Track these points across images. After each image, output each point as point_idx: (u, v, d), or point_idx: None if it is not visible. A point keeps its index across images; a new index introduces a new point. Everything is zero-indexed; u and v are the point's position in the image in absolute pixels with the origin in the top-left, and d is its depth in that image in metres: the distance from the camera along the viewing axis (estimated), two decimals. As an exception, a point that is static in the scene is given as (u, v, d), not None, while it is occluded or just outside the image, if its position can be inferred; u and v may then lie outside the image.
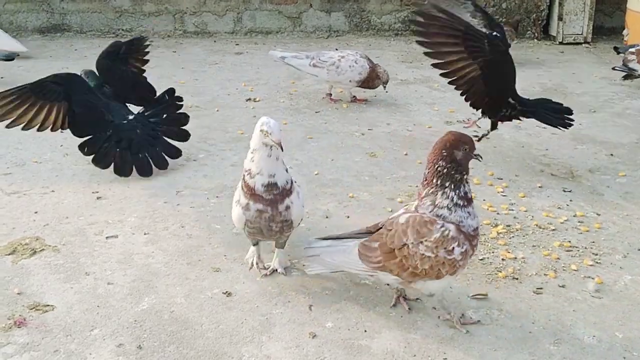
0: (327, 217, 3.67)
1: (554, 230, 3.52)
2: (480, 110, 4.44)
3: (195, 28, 8.16)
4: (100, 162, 4.10)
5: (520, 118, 4.44)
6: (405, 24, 8.30)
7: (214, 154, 4.56)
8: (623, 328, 2.73)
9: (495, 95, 4.24)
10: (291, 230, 3.00)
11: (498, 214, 3.72)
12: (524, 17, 7.88)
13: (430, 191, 2.58)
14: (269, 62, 6.88)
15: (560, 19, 7.90)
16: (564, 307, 2.86)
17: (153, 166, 4.17)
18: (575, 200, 3.88)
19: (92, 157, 4.11)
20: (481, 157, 2.70)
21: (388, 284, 2.83)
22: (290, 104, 5.66)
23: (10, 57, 6.06)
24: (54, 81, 4.08)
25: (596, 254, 3.29)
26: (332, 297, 2.92)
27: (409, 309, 2.82)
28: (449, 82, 4.19)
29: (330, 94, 5.74)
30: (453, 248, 2.54)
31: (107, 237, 3.41)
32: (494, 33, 4.12)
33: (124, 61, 4.66)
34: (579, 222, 3.61)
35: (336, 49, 7.10)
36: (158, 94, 4.56)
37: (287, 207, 2.87)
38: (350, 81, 5.51)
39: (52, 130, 4.06)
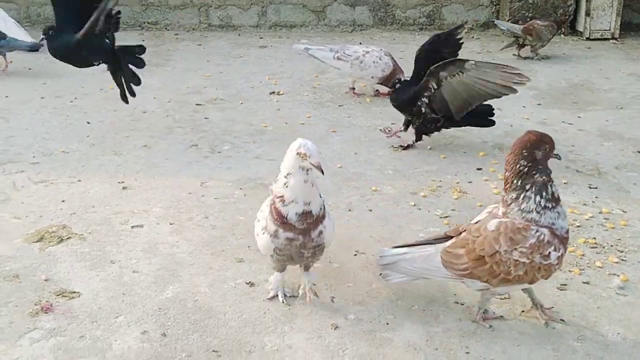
0: (349, 210, 3.67)
1: (579, 226, 3.49)
2: (404, 121, 4.61)
3: (220, 21, 8.19)
4: None
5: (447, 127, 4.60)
6: (430, 19, 8.26)
7: (238, 146, 4.59)
8: (648, 326, 2.71)
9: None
10: (323, 252, 2.77)
11: (522, 209, 3.69)
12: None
13: (514, 195, 2.53)
14: (293, 55, 6.89)
15: (587, 14, 7.80)
16: (588, 304, 2.84)
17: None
18: (601, 197, 3.85)
19: None
20: (560, 157, 2.67)
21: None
22: (313, 97, 5.67)
23: (34, 47, 6.13)
24: None
25: (621, 251, 3.26)
26: (354, 289, 2.93)
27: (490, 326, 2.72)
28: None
29: (354, 88, 5.74)
30: (549, 253, 2.49)
31: (132, 227, 3.45)
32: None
33: None
34: (604, 219, 3.58)
35: (360, 43, 7.11)
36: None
37: (320, 233, 2.63)
38: (372, 77, 5.50)
39: None
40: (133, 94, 4.63)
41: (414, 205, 3.73)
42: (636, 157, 4.48)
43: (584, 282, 2.99)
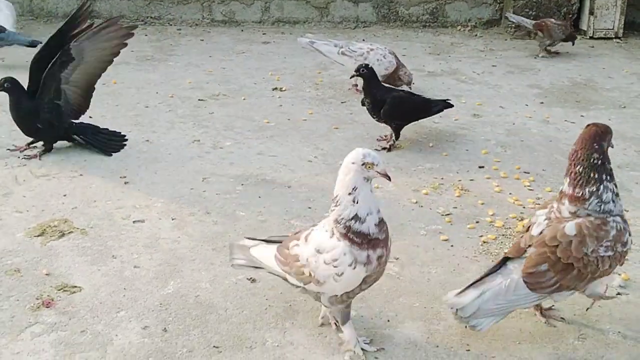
0: (351, 207, 3.67)
1: (580, 225, 3.48)
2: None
3: (223, 17, 8.18)
4: None
5: None
6: (434, 16, 8.25)
7: (240, 142, 4.59)
8: (649, 325, 2.71)
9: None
10: None
11: (524, 207, 3.70)
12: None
13: (594, 188, 2.50)
14: (295, 51, 6.88)
15: (591, 13, 7.78)
16: (588, 303, 2.83)
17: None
18: (603, 196, 3.84)
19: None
20: (613, 145, 2.66)
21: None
22: (316, 94, 5.66)
23: (33, 44, 6.11)
24: None
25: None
26: (355, 286, 2.92)
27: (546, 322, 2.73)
28: None
29: (356, 85, 5.72)
30: (626, 239, 2.52)
31: (134, 222, 3.45)
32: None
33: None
34: (606, 218, 3.57)
35: (363, 40, 7.09)
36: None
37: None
38: None
39: None
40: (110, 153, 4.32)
41: (416, 202, 3.72)
42: (638, 156, 4.48)
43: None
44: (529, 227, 2.64)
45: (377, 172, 2.35)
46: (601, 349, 2.57)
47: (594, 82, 6.14)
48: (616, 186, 2.55)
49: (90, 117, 4.89)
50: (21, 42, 6.18)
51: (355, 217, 2.34)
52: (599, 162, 2.51)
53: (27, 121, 4.19)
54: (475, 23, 8.23)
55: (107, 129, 4.45)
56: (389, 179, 2.40)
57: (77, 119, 4.30)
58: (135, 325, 2.65)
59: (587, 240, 2.45)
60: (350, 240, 2.34)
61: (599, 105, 5.51)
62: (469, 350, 2.55)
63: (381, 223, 2.38)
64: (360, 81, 5.70)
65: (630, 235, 2.55)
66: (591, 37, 7.80)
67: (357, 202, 2.34)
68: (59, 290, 2.85)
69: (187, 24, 8.09)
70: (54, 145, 4.29)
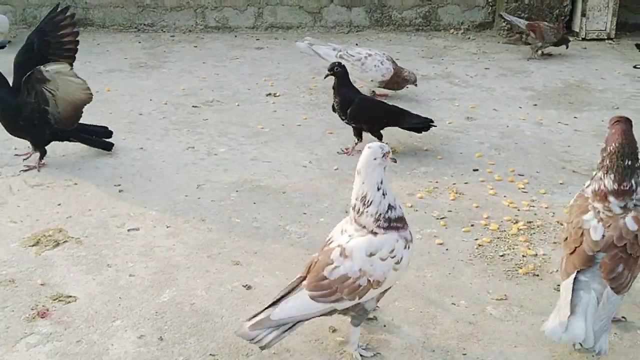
0: (346, 212, 3.66)
1: (575, 227, 3.49)
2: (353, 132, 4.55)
3: (216, 23, 8.18)
4: None
5: None
6: (426, 19, 8.27)
7: (235, 148, 4.58)
8: (645, 326, 2.71)
9: None
10: None
11: (519, 210, 3.70)
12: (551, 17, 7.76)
13: (639, 179, 2.58)
14: (289, 57, 6.89)
15: (583, 14, 7.81)
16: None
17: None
18: (598, 198, 3.85)
19: None
20: None
21: None
22: (310, 99, 5.66)
23: (2, 44, 6.08)
24: None
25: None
26: (351, 291, 2.92)
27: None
28: None
29: (374, 92, 5.72)
30: None
31: (128, 230, 3.44)
32: None
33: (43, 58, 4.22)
34: (601, 219, 3.58)
35: (356, 44, 7.11)
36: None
37: None
38: (372, 80, 5.52)
39: None
40: (108, 148, 4.41)
41: (411, 206, 3.72)
42: (632, 157, 4.49)
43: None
44: (581, 234, 2.57)
45: (392, 159, 2.52)
46: (597, 351, 2.57)
47: (587, 83, 6.16)
48: None
49: (84, 125, 4.90)
50: None
51: (390, 208, 2.44)
52: (636, 151, 2.59)
53: (9, 118, 4.13)
54: (468, 26, 8.25)
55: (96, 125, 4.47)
56: (395, 161, 2.60)
57: (69, 127, 4.21)
58: (131, 334, 2.64)
59: None
60: (395, 228, 2.44)
61: (592, 107, 5.52)
62: (465, 354, 2.55)
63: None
64: (356, 85, 5.75)
65: None
66: (583, 39, 7.83)
67: (386, 194, 2.44)
68: (54, 300, 2.85)
69: (180, 30, 8.09)
70: (48, 153, 4.28)
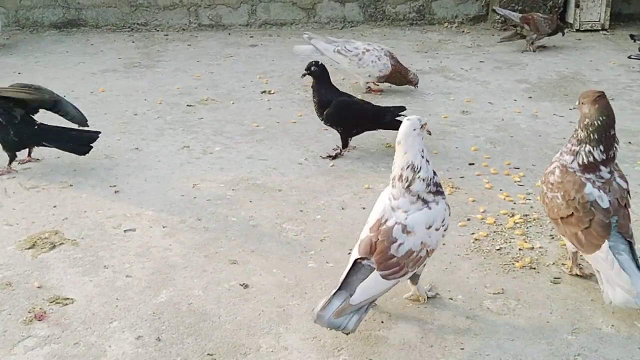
0: (343, 209, 3.67)
1: (571, 219, 3.49)
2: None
3: (210, 21, 8.17)
4: None
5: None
6: (420, 14, 8.26)
7: (230, 146, 4.58)
8: (642, 317, 2.72)
9: None
10: None
11: (515, 203, 3.70)
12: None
13: (617, 146, 2.83)
14: (283, 54, 6.88)
15: (577, 5, 7.80)
16: (582, 297, 2.85)
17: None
18: (593, 189, 3.85)
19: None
20: None
21: None
22: (305, 95, 5.65)
23: None
24: None
25: (615, 243, 3.26)
26: (348, 288, 2.92)
27: None
28: None
29: (369, 87, 5.71)
30: None
31: (125, 231, 3.44)
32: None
33: None
34: (597, 211, 3.58)
35: (352, 40, 7.08)
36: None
37: None
38: (369, 75, 5.52)
39: None
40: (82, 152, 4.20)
41: (407, 202, 3.72)
42: (627, 148, 4.49)
43: (578, 275, 2.99)
44: (590, 207, 2.72)
45: (428, 130, 2.70)
46: (595, 343, 2.57)
47: (582, 75, 6.16)
48: None
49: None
50: None
51: (434, 172, 2.63)
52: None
53: None
54: (462, 19, 8.25)
55: (75, 129, 4.26)
56: (430, 133, 2.77)
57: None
58: (128, 335, 2.64)
59: (626, 180, 2.84)
60: (441, 193, 2.65)
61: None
62: (463, 349, 2.55)
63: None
64: (362, 81, 5.73)
65: None
66: (578, 30, 7.83)
67: (429, 161, 2.62)
68: (51, 302, 2.84)
69: (174, 29, 8.08)
70: (44, 156, 4.27)
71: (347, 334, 2.50)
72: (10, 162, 4.15)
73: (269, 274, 3.04)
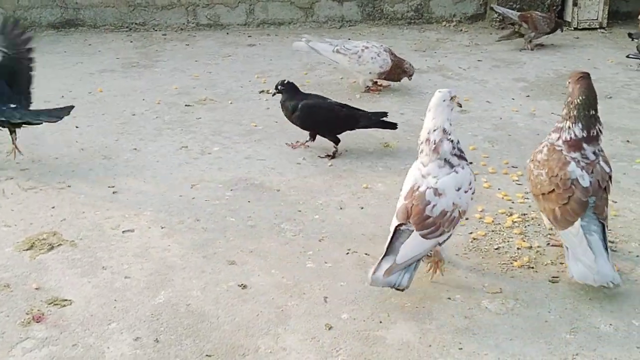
0: (341, 209, 3.67)
1: (569, 218, 3.49)
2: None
3: (208, 20, 8.16)
4: None
5: None
6: (418, 12, 8.25)
7: (228, 147, 4.58)
8: (639, 316, 2.72)
9: None
10: None
11: (513, 202, 3.70)
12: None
13: (601, 127, 2.95)
14: (281, 53, 6.88)
15: (575, 4, 7.80)
16: (580, 296, 2.85)
17: None
18: (592, 188, 3.85)
19: None
20: None
21: None
22: (303, 95, 5.65)
23: None
24: None
25: (612, 242, 3.26)
26: (346, 288, 2.93)
27: None
28: None
29: (368, 86, 5.71)
30: None
31: (123, 231, 3.44)
32: None
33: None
34: (595, 210, 3.58)
35: (349, 39, 7.09)
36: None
37: None
38: (370, 72, 5.52)
39: None
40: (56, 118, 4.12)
41: (405, 201, 3.72)
42: (625, 146, 4.50)
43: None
44: (570, 184, 2.84)
45: (458, 103, 2.90)
46: (593, 342, 2.58)
47: (580, 73, 6.15)
48: None
49: (76, 127, 4.89)
50: None
51: (458, 140, 2.88)
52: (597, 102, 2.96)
53: None
54: (460, 18, 8.25)
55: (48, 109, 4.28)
56: (461, 105, 2.99)
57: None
58: (127, 336, 2.64)
59: (610, 166, 2.94)
60: (464, 159, 2.90)
61: (585, 97, 5.51)
62: (461, 348, 2.55)
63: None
64: (362, 80, 5.73)
65: None
66: (576, 28, 7.83)
67: (454, 131, 2.87)
68: (49, 304, 2.84)
69: (172, 28, 8.07)
70: (41, 157, 4.27)
71: (402, 290, 2.71)
72: None
73: (268, 275, 3.04)
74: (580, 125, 2.90)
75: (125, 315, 2.77)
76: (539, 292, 2.88)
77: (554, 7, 7.74)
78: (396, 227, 2.80)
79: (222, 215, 3.60)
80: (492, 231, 3.40)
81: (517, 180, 3.97)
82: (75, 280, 3.01)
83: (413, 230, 2.75)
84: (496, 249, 3.23)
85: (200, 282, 2.99)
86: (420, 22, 8.24)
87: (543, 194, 2.94)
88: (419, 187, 2.80)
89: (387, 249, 2.75)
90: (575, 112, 2.92)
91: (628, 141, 4.58)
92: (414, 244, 2.73)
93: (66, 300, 2.87)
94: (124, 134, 4.80)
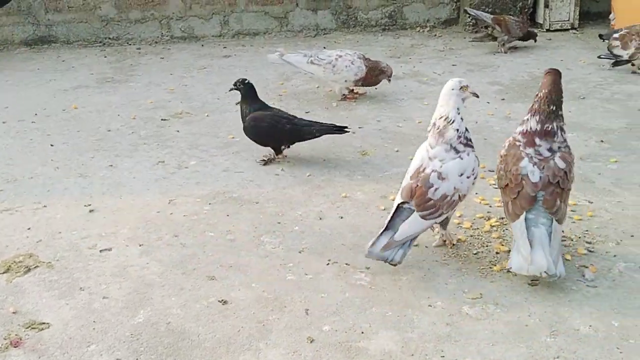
0: (320, 219, 3.67)
1: (547, 220, 3.52)
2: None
3: (182, 33, 8.13)
4: None
5: None
6: (392, 19, 8.30)
7: (206, 160, 4.55)
8: (619, 316, 2.74)
9: None
10: None
11: (491, 206, 3.72)
12: (512, 7, 7.86)
13: (561, 124, 3.01)
14: (257, 63, 6.87)
15: (546, 5, 7.89)
16: (559, 298, 2.87)
17: None
18: (568, 189, 3.88)
19: None
20: None
21: None
22: (280, 105, 5.62)
23: None
24: None
25: (589, 242, 3.30)
26: (327, 300, 2.92)
27: None
28: None
29: (344, 94, 5.71)
30: None
31: (100, 251, 3.40)
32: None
33: None
34: (571, 210, 3.60)
35: (324, 48, 7.12)
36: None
37: None
38: (345, 81, 5.53)
39: None
40: None
41: (384, 209, 3.72)
42: (600, 146, 4.55)
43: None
44: (521, 179, 2.92)
45: (471, 92, 3.08)
46: (573, 345, 2.59)
47: (553, 74, 6.21)
48: None
49: (51, 145, 4.84)
50: None
51: (466, 129, 3.05)
52: (562, 101, 3.03)
53: None
54: (434, 23, 8.31)
55: None
56: (477, 96, 3.18)
57: None
58: (106, 358, 2.61)
59: (572, 167, 2.98)
60: (470, 146, 3.07)
61: (559, 98, 5.57)
62: (443, 356, 2.56)
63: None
64: (338, 89, 5.74)
65: None
66: (547, 30, 7.92)
67: (463, 120, 3.05)
68: (27, 328, 2.80)
69: (146, 42, 8.03)
70: (16, 176, 4.21)
71: (394, 265, 2.94)
72: None
73: (248, 289, 3.03)
74: (537, 117, 2.99)
75: (104, 336, 2.73)
76: (518, 296, 2.90)
77: (526, 10, 7.82)
78: (399, 204, 3.01)
79: (201, 230, 3.58)
80: (471, 236, 3.41)
81: (493, 184, 3.99)
82: (53, 303, 2.97)
83: (414, 210, 2.95)
84: (475, 254, 3.24)
85: (180, 299, 2.97)
86: (394, 29, 8.28)
87: (502, 187, 3.07)
88: (424, 168, 3.00)
89: (388, 224, 2.96)
90: (536, 105, 3.01)
91: (602, 141, 4.63)
92: (413, 223, 2.94)
93: (44, 323, 2.83)
94: (100, 150, 4.76)
